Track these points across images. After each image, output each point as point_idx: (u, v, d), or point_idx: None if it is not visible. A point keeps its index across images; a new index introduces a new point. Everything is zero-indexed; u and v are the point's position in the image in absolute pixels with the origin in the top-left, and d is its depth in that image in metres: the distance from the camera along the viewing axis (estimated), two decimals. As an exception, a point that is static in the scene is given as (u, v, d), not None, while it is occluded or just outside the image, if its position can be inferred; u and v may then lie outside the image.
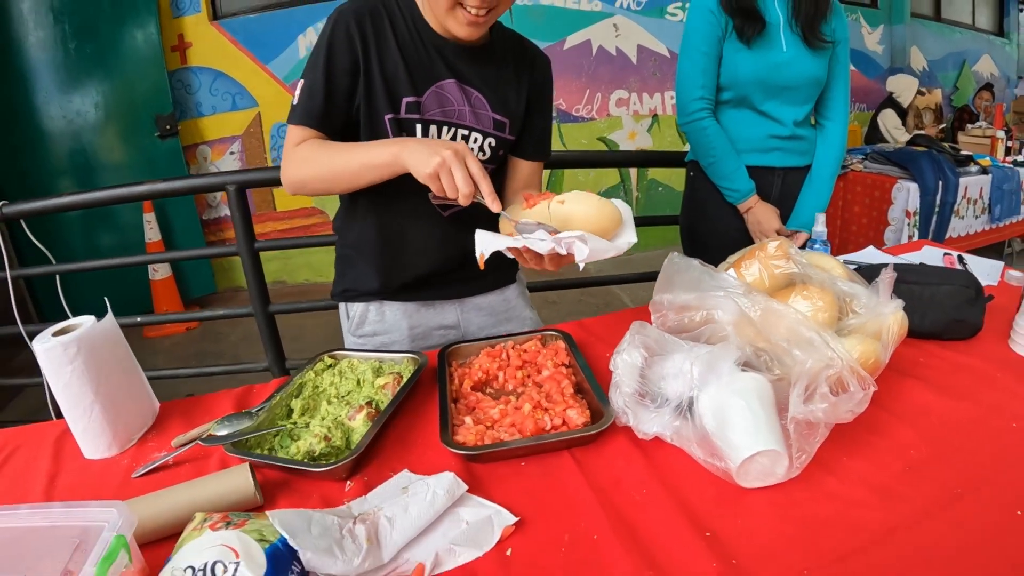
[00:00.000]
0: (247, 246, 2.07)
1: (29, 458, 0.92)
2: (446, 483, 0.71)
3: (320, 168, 1.00)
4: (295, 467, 0.77)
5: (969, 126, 5.65)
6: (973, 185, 3.67)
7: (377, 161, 0.94)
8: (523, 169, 1.20)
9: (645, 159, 4.28)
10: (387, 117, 1.03)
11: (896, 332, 0.83)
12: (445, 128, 1.07)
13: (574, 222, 0.88)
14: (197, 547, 0.59)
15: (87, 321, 0.93)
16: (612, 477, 0.76)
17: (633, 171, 4.84)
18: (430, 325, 1.25)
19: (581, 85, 4.63)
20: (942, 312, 1.09)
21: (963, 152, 3.96)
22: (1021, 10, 8.11)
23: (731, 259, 0.98)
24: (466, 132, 1.09)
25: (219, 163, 4.36)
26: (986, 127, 5.27)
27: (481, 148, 1.11)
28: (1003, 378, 0.97)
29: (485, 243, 0.88)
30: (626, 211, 0.94)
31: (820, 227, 1.34)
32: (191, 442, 0.89)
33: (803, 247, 1.60)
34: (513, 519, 0.68)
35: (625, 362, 0.80)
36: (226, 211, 4.37)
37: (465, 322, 1.28)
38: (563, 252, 0.85)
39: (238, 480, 0.73)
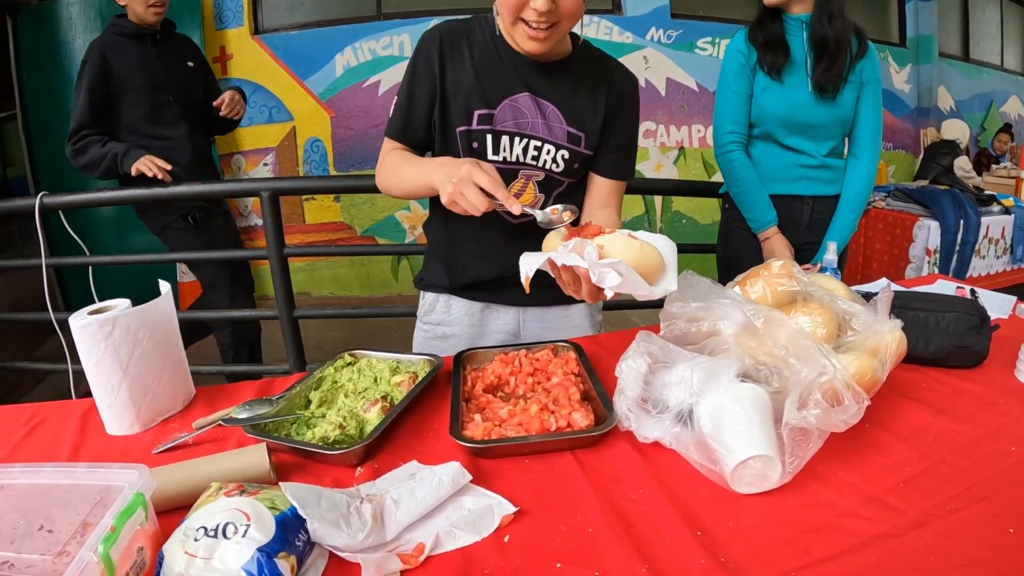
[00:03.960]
0: (277, 251, 2.15)
1: (54, 431, 0.97)
2: (452, 471, 0.74)
3: (393, 182, 1.16)
4: (310, 449, 0.81)
5: (994, 166, 5.61)
6: (995, 225, 3.65)
7: (424, 185, 1.04)
8: (601, 186, 1.21)
9: (673, 188, 4.32)
10: (459, 130, 1.11)
11: (894, 350, 0.85)
12: (516, 139, 1.12)
13: None
14: (211, 510, 0.63)
15: (122, 304, 0.98)
16: (611, 477, 0.78)
17: (658, 202, 4.88)
18: (491, 327, 1.31)
19: (609, 116, 4.69)
20: (946, 339, 1.10)
21: (986, 192, 3.94)
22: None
23: (737, 279, 1.01)
24: (539, 143, 1.13)
25: (252, 173, 4.49)
26: (1011, 168, 5.23)
27: (554, 160, 1.15)
28: (1005, 404, 0.97)
29: (528, 264, 0.89)
30: (669, 254, 0.90)
31: (831, 255, 1.37)
32: (211, 423, 0.94)
33: None
34: (513, 509, 0.71)
35: (630, 368, 0.83)
36: (255, 221, 4.49)
37: (524, 330, 1.32)
38: (594, 279, 0.82)
39: (254, 457, 0.77)
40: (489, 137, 1.11)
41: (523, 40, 1.02)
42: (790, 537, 0.68)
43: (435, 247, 1.31)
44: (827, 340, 0.84)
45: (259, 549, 0.57)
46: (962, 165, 4.79)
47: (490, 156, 1.13)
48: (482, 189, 0.91)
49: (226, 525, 0.60)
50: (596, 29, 4.51)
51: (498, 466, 0.81)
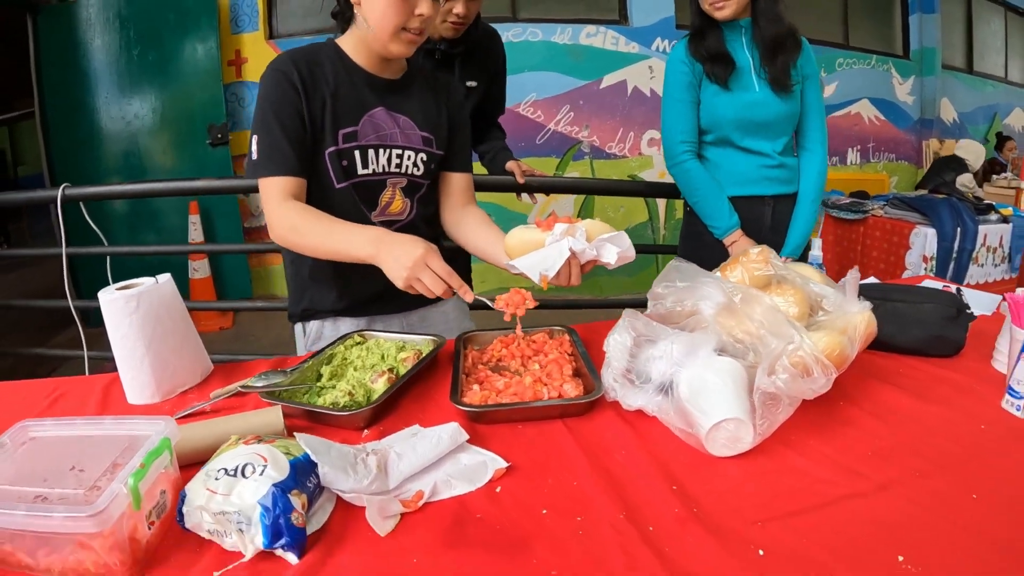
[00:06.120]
0: None
1: (77, 401, 1.04)
2: (450, 430, 0.81)
3: (306, 241, 1.11)
4: (320, 411, 0.88)
5: (994, 177, 5.67)
6: (993, 233, 3.67)
7: (356, 254, 1.04)
8: (459, 182, 1.36)
9: (665, 190, 4.39)
10: (328, 152, 1.17)
11: (863, 330, 0.91)
12: (381, 151, 1.21)
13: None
14: (231, 455, 0.70)
15: (148, 282, 1.05)
16: (597, 441, 0.85)
17: (661, 209, 4.94)
18: None
19: (615, 124, 4.76)
20: (924, 328, 1.15)
21: (985, 202, 3.99)
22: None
23: (720, 267, 1.07)
24: (399, 151, 1.23)
25: (264, 174, 4.58)
26: (1011, 178, 5.28)
27: (415, 164, 1.26)
28: (981, 389, 1.02)
29: (541, 266, 0.96)
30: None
31: (816, 251, 1.43)
32: (229, 393, 1.00)
33: None
34: (505, 464, 0.78)
35: (617, 342, 0.90)
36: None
37: (411, 332, 1.34)
38: (593, 254, 0.97)
39: (270, 416, 0.84)
40: (357, 153, 1.19)
41: (401, 46, 1.14)
42: (760, 495, 0.73)
43: (318, 275, 1.30)
44: (799, 319, 0.90)
45: (274, 485, 0.64)
46: (965, 182, 4.84)
47: (360, 171, 1.20)
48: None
49: (245, 466, 0.67)
50: (603, 39, 4.59)
51: (493, 430, 0.88)
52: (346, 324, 1.33)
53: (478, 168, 2.30)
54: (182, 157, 4.12)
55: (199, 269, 4.01)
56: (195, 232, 4.03)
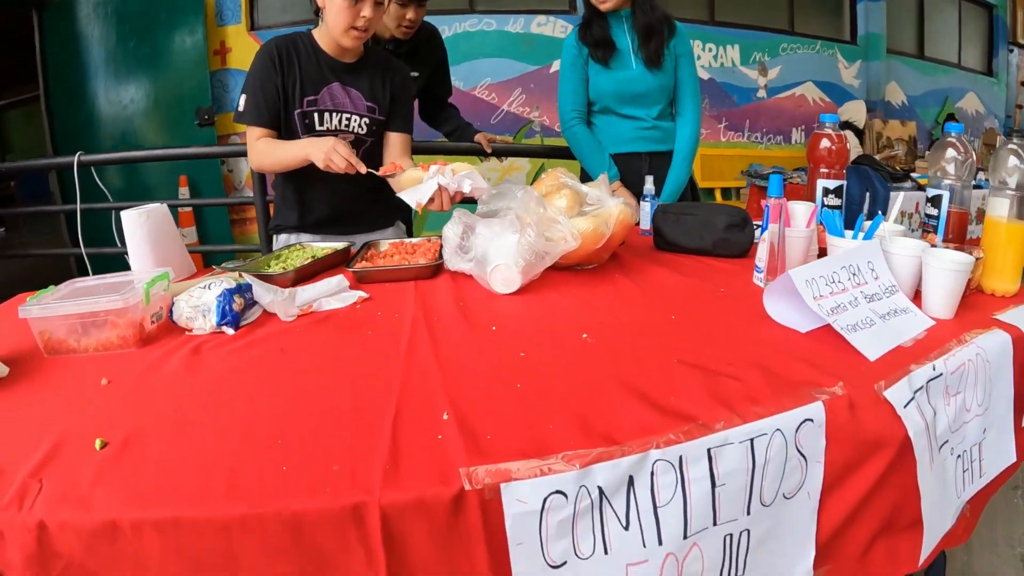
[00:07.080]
0: (261, 197, 2.79)
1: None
2: (338, 278, 1.30)
3: (270, 161, 1.65)
4: (263, 275, 1.35)
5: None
6: (907, 199, 3.91)
7: (299, 157, 1.56)
8: (395, 140, 1.79)
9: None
10: (296, 112, 1.64)
11: (616, 216, 1.34)
12: (334, 114, 1.68)
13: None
14: (205, 282, 1.18)
15: (153, 205, 1.53)
16: (430, 290, 1.33)
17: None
18: None
19: (564, 105, 5.21)
20: (712, 233, 1.51)
21: (901, 170, 4.40)
22: (1011, 51, 8.51)
23: (532, 184, 1.54)
24: (348, 116, 1.70)
25: (246, 152, 5.04)
26: (942, 154, 5.70)
27: (359, 125, 1.72)
28: (745, 274, 1.33)
29: (416, 196, 1.42)
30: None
31: (649, 186, 1.89)
32: (209, 276, 1.49)
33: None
34: (366, 295, 1.27)
35: (450, 229, 1.39)
36: (250, 193, 5.03)
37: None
38: (455, 187, 1.43)
39: (231, 276, 1.33)
40: (316, 115, 1.66)
41: (350, 40, 1.58)
42: (511, 307, 1.21)
43: (287, 198, 1.79)
44: (570, 209, 1.37)
45: (226, 289, 1.13)
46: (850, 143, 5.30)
47: (318, 127, 1.66)
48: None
49: (210, 284, 1.16)
50: (552, 28, 5.04)
51: (369, 286, 1.36)
52: (306, 238, 1.81)
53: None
54: (173, 137, 4.56)
55: (187, 235, 4.46)
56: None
